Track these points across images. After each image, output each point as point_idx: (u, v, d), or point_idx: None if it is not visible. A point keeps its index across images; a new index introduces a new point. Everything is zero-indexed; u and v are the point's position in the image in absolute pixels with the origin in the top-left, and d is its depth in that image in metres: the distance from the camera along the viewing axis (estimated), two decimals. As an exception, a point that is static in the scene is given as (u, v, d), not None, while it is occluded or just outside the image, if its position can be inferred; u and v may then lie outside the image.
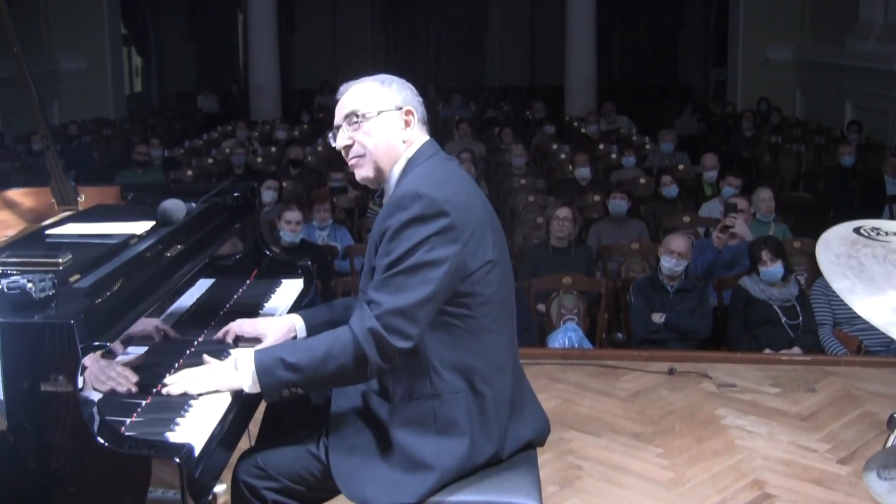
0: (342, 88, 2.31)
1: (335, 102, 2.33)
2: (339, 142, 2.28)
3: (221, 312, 2.72)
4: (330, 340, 2.08)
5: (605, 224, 6.93)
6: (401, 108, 2.26)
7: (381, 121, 2.24)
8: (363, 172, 2.28)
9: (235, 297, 2.88)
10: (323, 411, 2.29)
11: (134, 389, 2.06)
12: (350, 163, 2.29)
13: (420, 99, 2.33)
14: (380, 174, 2.27)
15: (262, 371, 2.09)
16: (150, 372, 2.18)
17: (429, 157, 2.25)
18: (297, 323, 2.49)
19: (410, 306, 2.04)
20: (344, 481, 2.18)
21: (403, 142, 2.26)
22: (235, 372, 2.13)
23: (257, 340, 2.45)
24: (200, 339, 2.50)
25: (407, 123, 2.26)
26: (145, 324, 2.19)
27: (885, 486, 2.02)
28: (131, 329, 2.08)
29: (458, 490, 2.16)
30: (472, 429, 2.17)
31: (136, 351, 2.14)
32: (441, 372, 2.16)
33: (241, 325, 2.49)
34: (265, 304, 2.89)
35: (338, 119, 2.30)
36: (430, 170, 2.22)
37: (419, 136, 2.29)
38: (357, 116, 2.25)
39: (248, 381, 2.11)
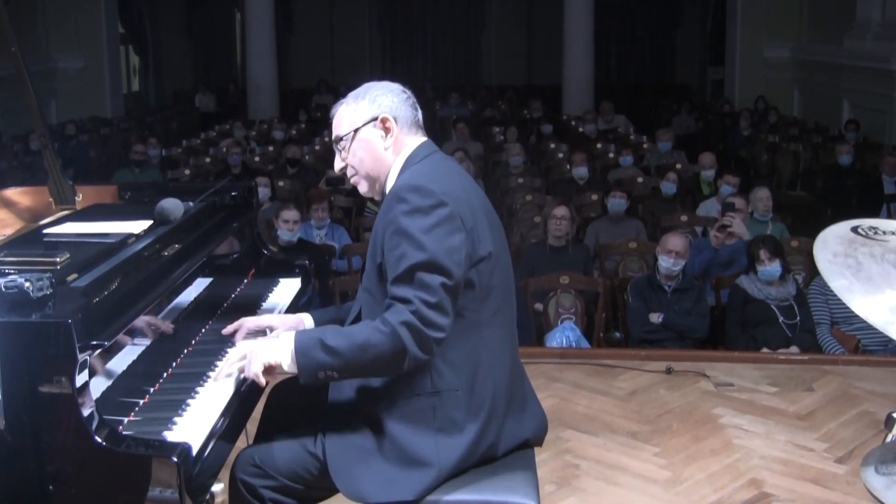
0: (331, 112, 2.37)
1: (333, 101, 2.37)
2: (336, 167, 2.38)
3: (219, 311, 2.72)
4: (368, 330, 2.09)
5: (603, 223, 6.93)
6: (375, 119, 2.28)
7: (359, 138, 2.29)
8: (361, 188, 2.36)
9: (233, 295, 2.88)
10: (320, 409, 2.30)
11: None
12: (350, 182, 2.38)
13: (411, 101, 2.34)
14: (376, 185, 2.33)
15: (301, 351, 2.11)
16: (148, 371, 2.18)
17: (426, 157, 2.29)
18: (307, 321, 2.52)
19: (440, 297, 2.07)
20: (341, 478, 2.18)
21: (386, 149, 2.29)
22: (279, 349, 2.15)
23: (264, 334, 2.48)
24: (198, 338, 2.50)
25: (387, 131, 2.28)
26: (142, 323, 2.19)
27: (883, 481, 2.02)
28: (128, 328, 2.07)
29: (456, 489, 2.16)
30: (469, 425, 2.18)
31: (134, 350, 2.14)
32: (442, 368, 2.17)
33: (249, 323, 2.52)
34: (263, 303, 2.89)
35: (334, 145, 2.37)
36: (426, 167, 2.25)
37: (410, 139, 2.31)
38: (340, 140, 2.32)
39: (287, 360, 2.13)
